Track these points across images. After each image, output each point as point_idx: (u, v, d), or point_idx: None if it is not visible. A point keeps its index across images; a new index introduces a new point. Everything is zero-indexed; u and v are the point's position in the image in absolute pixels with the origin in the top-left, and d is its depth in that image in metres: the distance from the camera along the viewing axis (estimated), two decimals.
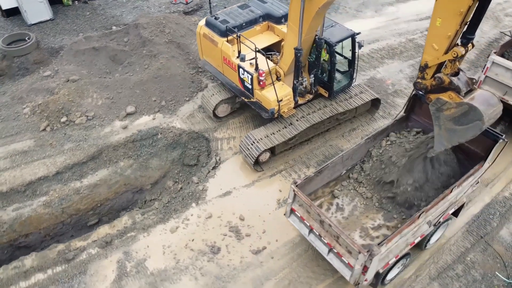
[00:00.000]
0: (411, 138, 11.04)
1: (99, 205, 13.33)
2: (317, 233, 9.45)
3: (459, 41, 8.26)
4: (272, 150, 13.34)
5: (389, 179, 10.51)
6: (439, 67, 8.84)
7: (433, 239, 10.85)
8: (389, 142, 11.15)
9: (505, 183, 12.80)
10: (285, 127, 13.13)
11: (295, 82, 12.50)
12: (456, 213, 10.91)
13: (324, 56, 13.07)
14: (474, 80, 8.88)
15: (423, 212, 9.06)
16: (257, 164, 13.16)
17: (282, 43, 12.73)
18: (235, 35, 12.48)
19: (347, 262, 8.86)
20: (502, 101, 9.07)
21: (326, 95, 13.65)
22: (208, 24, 13.76)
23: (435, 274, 10.62)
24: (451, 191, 9.54)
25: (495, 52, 13.13)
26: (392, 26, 19.85)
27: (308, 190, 10.35)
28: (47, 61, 17.38)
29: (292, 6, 11.10)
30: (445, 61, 8.54)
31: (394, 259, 9.37)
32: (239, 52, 12.62)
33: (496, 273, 10.57)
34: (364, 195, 10.79)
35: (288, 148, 13.76)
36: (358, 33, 12.85)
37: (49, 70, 16.75)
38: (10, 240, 12.37)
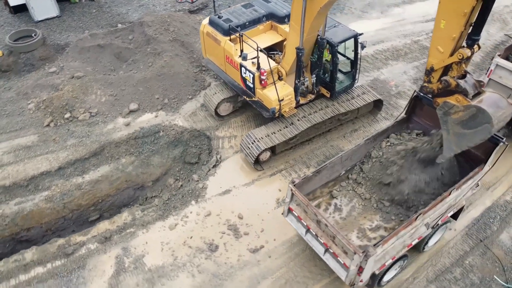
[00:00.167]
0: (411, 139, 10.99)
1: (100, 201, 13.43)
2: (314, 233, 9.45)
3: (465, 43, 8.15)
4: (272, 150, 13.36)
5: (388, 180, 10.48)
6: (445, 70, 8.67)
7: (431, 242, 10.80)
8: (389, 144, 11.11)
9: (507, 186, 12.70)
10: (286, 127, 13.14)
11: (296, 82, 12.51)
12: (455, 216, 10.85)
13: (327, 56, 13.07)
14: (482, 83, 8.68)
15: (420, 214, 9.02)
16: (257, 163, 13.19)
17: (284, 42, 12.74)
18: (237, 34, 12.51)
19: (342, 262, 8.85)
20: None
21: (328, 95, 13.64)
22: (211, 23, 13.82)
23: (432, 276, 10.57)
24: (449, 194, 9.49)
25: (499, 55, 13.05)
26: (397, 27, 19.76)
27: (306, 190, 10.36)
28: (52, 57, 17.56)
29: (294, 6, 11.12)
30: (451, 63, 8.40)
31: (390, 261, 9.34)
32: (242, 51, 12.67)
33: (495, 276, 10.50)
34: (362, 196, 10.77)
35: (289, 147, 13.77)
36: (360, 34, 12.82)
37: (55, 67, 16.92)
38: (12, 234, 12.51)
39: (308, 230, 9.67)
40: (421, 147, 10.07)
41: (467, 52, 7.95)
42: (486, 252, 11.07)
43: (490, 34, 19.13)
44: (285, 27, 13.56)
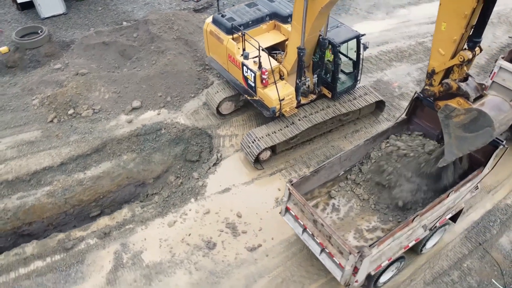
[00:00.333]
0: (411, 141, 10.94)
1: (101, 197, 13.53)
2: (310, 233, 9.46)
3: (466, 46, 8.08)
4: (273, 149, 13.38)
5: (386, 181, 10.45)
6: (447, 72, 8.60)
7: (429, 244, 10.76)
8: (388, 145, 11.07)
9: (508, 190, 12.61)
10: (287, 126, 13.16)
11: (297, 81, 12.52)
12: (454, 219, 10.80)
13: (329, 56, 13.06)
14: (484, 86, 8.60)
15: (417, 215, 8.99)
16: (257, 162, 13.22)
17: (286, 42, 12.75)
18: (240, 33, 12.55)
19: (338, 262, 8.86)
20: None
21: (330, 95, 13.63)
22: (214, 21, 13.88)
23: (430, 279, 10.53)
24: (447, 196, 9.45)
25: (502, 57, 12.95)
26: (402, 28, 19.67)
27: (304, 189, 10.37)
28: (58, 54, 17.75)
29: (296, 6, 11.13)
30: (452, 66, 8.32)
31: (387, 262, 9.33)
32: (244, 50, 12.70)
33: (493, 280, 10.44)
34: (361, 197, 10.75)
35: (290, 147, 13.79)
36: (363, 35, 12.79)
37: (60, 63, 17.11)
38: (14, 228, 12.66)
39: (304, 230, 9.68)
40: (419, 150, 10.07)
41: (468, 54, 7.88)
42: (485, 256, 11.01)
43: (496, 36, 18.97)
44: (288, 27, 13.57)
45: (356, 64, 13.50)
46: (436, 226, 10.00)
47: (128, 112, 15.04)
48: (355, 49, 13.19)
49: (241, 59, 12.86)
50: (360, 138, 14.24)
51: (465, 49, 8.05)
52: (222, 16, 13.68)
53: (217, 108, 14.47)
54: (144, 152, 14.11)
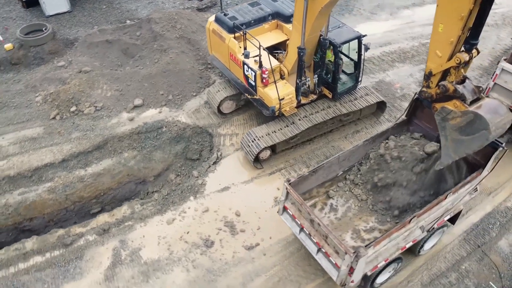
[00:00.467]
0: (411, 142, 10.92)
1: (102, 194, 13.63)
2: (307, 232, 9.47)
3: (464, 48, 8.05)
4: (273, 148, 13.39)
5: (385, 182, 10.43)
6: (444, 75, 8.57)
7: (427, 245, 10.73)
8: (387, 146, 11.04)
9: (509, 193, 12.54)
10: (287, 126, 13.17)
11: (298, 81, 12.53)
12: (453, 220, 10.76)
13: (330, 57, 13.05)
14: (481, 88, 8.55)
15: (414, 216, 8.98)
16: (257, 161, 13.25)
17: (287, 41, 12.76)
18: (241, 32, 12.58)
19: (334, 262, 8.86)
20: (511, 110, 8.67)
21: (330, 96, 13.61)
22: (217, 20, 13.93)
23: (427, 280, 10.51)
24: (445, 197, 9.42)
25: (505, 59, 12.87)
26: (406, 29, 19.60)
27: (302, 189, 10.38)
28: (61, 51, 17.87)
29: (297, 5, 11.15)
30: (449, 68, 8.29)
31: (383, 263, 9.32)
32: (245, 49, 12.73)
33: (490, 283, 10.39)
34: (359, 197, 10.74)
35: (290, 147, 13.80)
36: (364, 35, 12.76)
37: (63, 61, 17.22)
38: (15, 223, 12.78)
39: (302, 229, 9.70)
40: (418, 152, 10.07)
41: (465, 56, 7.87)
42: (483, 258, 10.96)
43: (501, 38, 18.85)
44: (290, 26, 13.51)
45: (357, 65, 13.48)
46: (434, 228, 9.98)
47: (130, 110, 15.11)
48: (357, 50, 13.18)
49: (242, 58, 12.89)
50: (361, 138, 14.19)
51: (462, 51, 8.03)
52: (225, 15, 13.72)
53: (218, 107, 14.51)
54: (145, 150, 14.18)
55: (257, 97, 13.17)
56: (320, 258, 9.38)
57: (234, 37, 13.34)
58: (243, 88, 13.72)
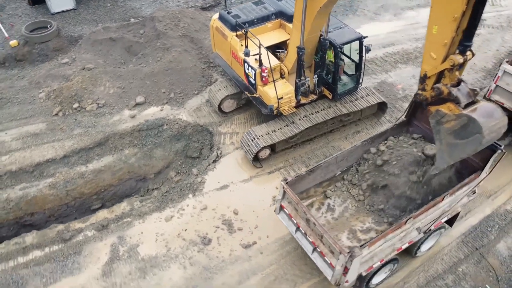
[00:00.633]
0: (410, 143, 10.89)
1: (102, 190, 13.73)
2: (303, 231, 9.49)
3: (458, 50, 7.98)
4: (272, 148, 13.42)
5: (382, 183, 10.42)
6: (440, 77, 8.49)
7: (424, 247, 10.71)
8: (386, 146, 11.02)
9: (509, 196, 12.47)
10: (287, 125, 13.19)
11: (297, 81, 12.54)
12: (451, 222, 10.73)
13: (331, 57, 13.04)
14: (476, 92, 8.41)
15: (410, 218, 8.96)
16: (256, 160, 13.28)
17: (288, 41, 12.77)
18: (243, 30, 12.61)
19: (329, 262, 8.88)
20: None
21: (330, 97, 13.60)
22: (220, 17, 14.00)
23: (423, 282, 10.48)
24: (442, 199, 9.39)
25: (507, 61, 12.78)
26: (410, 30, 19.52)
27: (299, 188, 10.40)
28: (66, 49, 18.03)
29: (297, 4, 11.18)
30: (444, 70, 8.20)
31: (379, 263, 9.32)
32: (246, 47, 12.76)
33: (487, 286, 10.35)
34: (356, 198, 10.73)
35: (289, 146, 13.81)
36: (365, 37, 12.71)
37: (67, 58, 17.37)
38: (16, 218, 12.92)
39: (298, 228, 9.72)
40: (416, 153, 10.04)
41: (459, 58, 7.78)
42: (481, 261, 10.91)
43: (505, 40, 18.70)
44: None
45: (358, 66, 13.44)
46: (431, 229, 9.95)
47: (132, 108, 15.21)
48: (358, 51, 13.15)
49: (243, 56, 12.92)
50: (361, 139, 14.00)
51: (456, 53, 7.94)
52: (228, 13, 13.78)
53: (219, 106, 14.56)
54: (145, 147, 14.27)
55: (257, 96, 13.21)
56: (315, 258, 9.41)
57: (236, 35, 13.39)
58: (244, 86, 13.76)
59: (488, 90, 13.38)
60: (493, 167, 9.57)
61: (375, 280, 10.02)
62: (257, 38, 11.93)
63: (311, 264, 10.61)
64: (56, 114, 14.89)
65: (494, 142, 9.40)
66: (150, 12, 19.96)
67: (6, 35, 17.98)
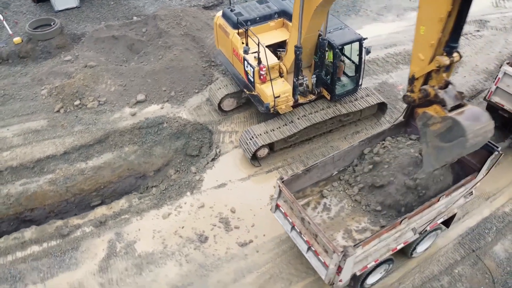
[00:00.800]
0: (407, 144, 10.87)
1: (102, 187, 13.82)
2: (298, 230, 9.51)
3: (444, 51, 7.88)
4: (271, 147, 13.45)
5: (379, 183, 10.40)
6: (427, 79, 8.38)
7: (420, 248, 10.68)
8: (383, 147, 11.02)
9: (508, 198, 12.41)
10: (286, 125, 13.22)
11: (294, 80, 12.56)
12: (447, 224, 10.70)
13: (331, 58, 13.04)
14: (464, 95, 8.28)
15: (405, 218, 8.95)
16: (255, 159, 13.32)
17: (287, 40, 12.80)
18: (244, 28, 12.65)
19: (323, 261, 8.89)
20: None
21: (329, 97, 13.59)
22: (224, 15, 14.09)
23: (419, 283, 10.47)
24: (438, 200, 9.37)
25: (508, 63, 12.71)
26: (412, 31, 18.94)
27: (296, 187, 10.42)
28: (69, 46, 18.19)
29: (295, 4, 11.20)
30: (431, 72, 8.12)
31: (373, 263, 9.31)
32: (247, 44, 12.80)
33: None
34: (352, 197, 10.72)
35: (288, 145, 13.84)
36: (365, 38, 12.67)
37: (70, 55, 17.51)
38: (16, 213, 13.03)
39: (293, 227, 9.74)
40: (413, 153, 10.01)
41: (445, 60, 7.69)
42: (477, 263, 10.88)
43: (508, 42, 18.58)
44: None
45: (358, 68, 13.40)
46: (426, 230, 9.93)
47: (133, 105, 15.31)
48: (358, 52, 13.13)
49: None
50: (360, 139, 14.15)
51: (443, 54, 7.84)
52: (231, 10, 13.86)
53: (219, 104, 14.62)
54: (145, 145, 14.35)
55: (255, 93, 13.25)
56: (310, 257, 9.42)
57: (238, 33, 13.44)
58: (243, 84, 13.82)
59: (488, 92, 13.32)
60: (490, 169, 9.54)
61: (370, 280, 10.02)
62: (256, 37, 11.96)
63: (306, 263, 10.61)
64: (58, 111, 15.02)
65: (492, 144, 9.39)
66: (152, 11, 20.06)
67: (10, 32, 18.15)
